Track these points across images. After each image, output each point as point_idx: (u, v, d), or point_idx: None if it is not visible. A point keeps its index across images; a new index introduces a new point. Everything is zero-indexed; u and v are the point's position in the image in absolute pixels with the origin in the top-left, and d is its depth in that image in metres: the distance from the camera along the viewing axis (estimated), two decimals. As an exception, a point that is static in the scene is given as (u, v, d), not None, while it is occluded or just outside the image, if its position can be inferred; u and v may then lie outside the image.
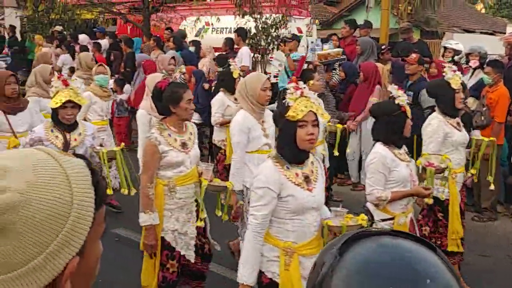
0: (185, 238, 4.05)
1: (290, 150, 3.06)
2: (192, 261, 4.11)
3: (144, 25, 13.36)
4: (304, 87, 3.12)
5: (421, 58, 7.48)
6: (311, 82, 5.93)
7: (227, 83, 6.41)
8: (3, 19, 26.91)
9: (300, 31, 12.77)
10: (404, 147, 3.98)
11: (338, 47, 9.34)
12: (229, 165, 5.07)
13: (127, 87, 10.37)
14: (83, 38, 13.65)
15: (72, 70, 11.08)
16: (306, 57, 8.74)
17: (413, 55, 7.41)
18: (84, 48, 12.02)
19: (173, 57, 8.72)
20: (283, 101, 3.07)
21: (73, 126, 4.60)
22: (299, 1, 13.87)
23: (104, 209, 1.06)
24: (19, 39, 16.04)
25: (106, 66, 7.06)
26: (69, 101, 4.36)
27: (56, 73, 4.82)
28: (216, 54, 10.46)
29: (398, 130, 3.80)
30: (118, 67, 11.76)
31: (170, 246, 4.01)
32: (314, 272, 0.91)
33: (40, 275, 0.93)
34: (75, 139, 4.62)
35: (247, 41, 10.53)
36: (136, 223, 4.10)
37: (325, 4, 20.27)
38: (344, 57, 8.83)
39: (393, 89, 3.88)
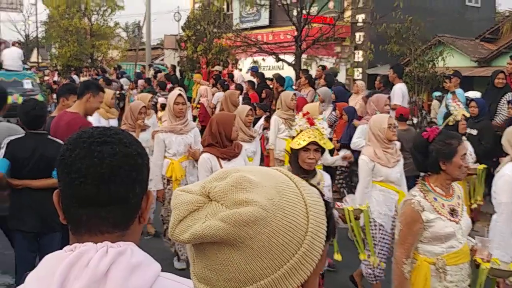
0: None
1: None
2: None
3: (296, 63, 13.62)
4: None
5: None
6: None
7: (448, 128, 5.73)
8: (163, 59, 29.32)
9: (326, 68, 14.77)
10: None
11: (505, 84, 8.65)
12: None
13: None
14: (237, 76, 14.27)
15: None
16: None
17: None
18: (239, 87, 12.52)
19: (389, 97, 7.72)
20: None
21: (312, 173, 3.90)
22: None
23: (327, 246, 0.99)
24: (179, 77, 17.23)
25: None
26: (313, 143, 3.77)
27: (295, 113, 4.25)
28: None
29: None
30: (270, 104, 12.06)
31: None
32: None
33: None
34: None
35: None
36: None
37: (481, 41, 19.19)
38: None
39: None
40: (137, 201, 1.28)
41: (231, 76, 14.25)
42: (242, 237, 0.88)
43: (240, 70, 16.74)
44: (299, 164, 3.78)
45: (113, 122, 7.55)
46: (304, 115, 3.89)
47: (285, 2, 14.06)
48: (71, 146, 1.24)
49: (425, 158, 3.18)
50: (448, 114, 6.06)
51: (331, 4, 16.77)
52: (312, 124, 3.82)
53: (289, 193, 0.93)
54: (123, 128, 6.53)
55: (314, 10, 14.63)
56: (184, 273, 5.72)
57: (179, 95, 5.92)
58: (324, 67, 12.95)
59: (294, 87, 12.09)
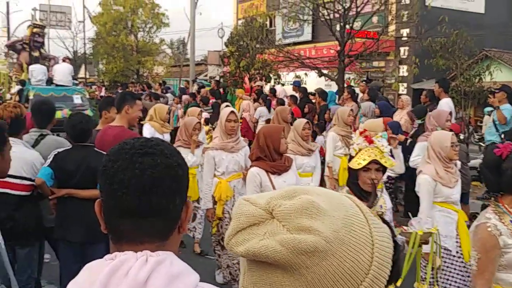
0: None
1: None
2: None
3: (339, 78, 13.55)
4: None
5: None
6: None
7: None
8: (206, 75, 29.73)
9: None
10: None
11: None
12: None
13: (319, 138, 10.48)
14: (280, 91, 14.30)
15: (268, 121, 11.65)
16: None
17: None
18: (281, 101, 12.54)
19: (450, 113, 7.40)
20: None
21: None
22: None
23: None
24: (222, 92, 17.41)
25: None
26: (374, 162, 3.49)
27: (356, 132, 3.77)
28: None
29: None
30: (312, 119, 12.01)
31: None
32: None
33: None
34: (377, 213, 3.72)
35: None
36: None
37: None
38: None
39: None
40: (177, 212, 1.28)
41: (273, 91, 14.29)
42: (298, 265, 0.84)
43: (282, 84, 16.79)
44: (360, 186, 3.49)
45: (167, 137, 7.68)
46: (361, 133, 3.61)
47: (328, 17, 14.06)
48: (113, 157, 1.25)
49: (499, 177, 2.87)
50: None
51: (374, 19, 16.67)
52: (370, 142, 3.55)
53: (357, 228, 0.88)
54: (177, 144, 6.43)
55: (357, 24, 14.56)
56: (224, 287, 5.71)
57: (232, 112, 5.69)
58: (367, 82, 12.82)
59: (338, 102, 12.02)
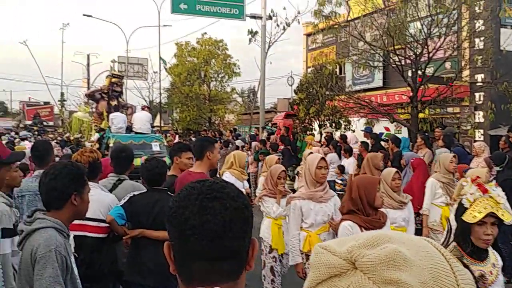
0: None
1: None
2: None
3: (412, 124, 13.29)
4: None
5: None
6: None
7: None
8: (275, 122, 29.98)
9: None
10: None
11: None
12: None
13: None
14: (351, 137, 14.18)
15: (341, 169, 11.55)
16: None
17: None
18: (348, 148, 12.42)
19: None
20: None
21: (486, 253, 3.19)
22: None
23: None
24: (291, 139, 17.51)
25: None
26: (491, 215, 3.08)
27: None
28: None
29: None
30: (385, 166, 11.76)
31: None
32: None
33: None
34: (491, 273, 3.09)
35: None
36: None
37: None
38: None
39: None
40: (246, 252, 1.30)
41: (344, 137, 14.20)
42: None
43: (353, 131, 16.65)
44: (472, 241, 3.11)
45: (246, 184, 7.81)
46: (473, 181, 3.23)
47: (399, 63, 13.93)
48: (182, 203, 1.27)
49: None
50: None
51: (447, 64, 16.36)
52: (485, 191, 3.14)
53: (444, 278, 0.83)
54: (263, 193, 6.29)
55: (429, 70, 14.32)
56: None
57: (322, 158, 5.32)
58: (443, 127, 12.49)
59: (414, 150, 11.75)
